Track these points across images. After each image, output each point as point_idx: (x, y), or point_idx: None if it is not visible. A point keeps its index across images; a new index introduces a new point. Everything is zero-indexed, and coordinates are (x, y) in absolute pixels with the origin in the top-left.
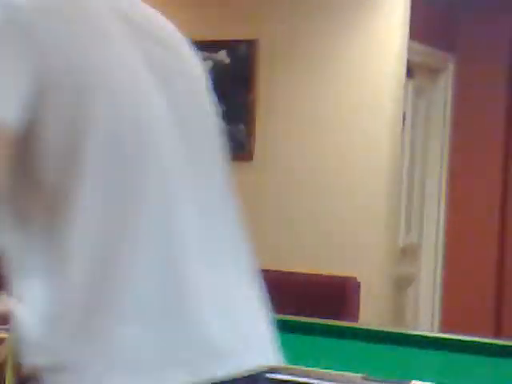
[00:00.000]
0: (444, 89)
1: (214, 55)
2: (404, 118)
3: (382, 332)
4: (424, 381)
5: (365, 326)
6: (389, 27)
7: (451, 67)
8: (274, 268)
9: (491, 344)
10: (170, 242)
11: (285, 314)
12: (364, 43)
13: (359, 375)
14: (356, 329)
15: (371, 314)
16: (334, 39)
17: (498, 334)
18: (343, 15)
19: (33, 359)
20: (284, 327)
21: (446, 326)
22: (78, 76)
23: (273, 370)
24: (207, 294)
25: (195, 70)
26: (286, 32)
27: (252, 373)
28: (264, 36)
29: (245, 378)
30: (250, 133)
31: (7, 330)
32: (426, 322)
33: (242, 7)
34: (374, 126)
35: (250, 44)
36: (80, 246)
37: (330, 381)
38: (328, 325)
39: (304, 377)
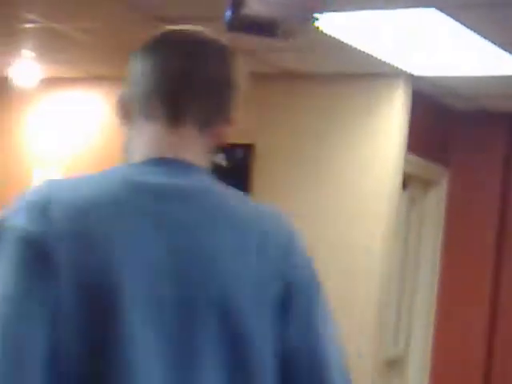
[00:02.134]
0: (436, 201)
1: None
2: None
3: None
4: None
5: None
6: (387, 133)
7: (445, 180)
8: None
9: None
10: None
11: None
12: (361, 148)
13: None
14: None
15: None
16: (332, 144)
17: None
18: (341, 120)
19: None
20: None
21: None
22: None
23: None
24: None
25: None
26: (283, 136)
27: None
28: (259, 141)
29: None
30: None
31: None
32: None
33: (241, 112)
34: (367, 231)
35: (247, 148)
36: None
37: None
38: None
39: None
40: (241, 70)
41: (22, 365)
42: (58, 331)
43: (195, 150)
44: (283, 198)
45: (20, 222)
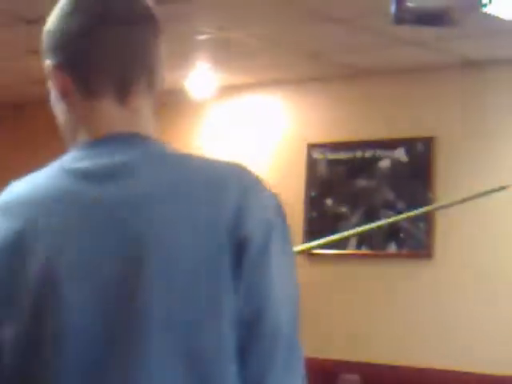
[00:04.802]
0: None
1: (391, 153)
2: None
3: None
4: None
5: None
6: None
7: None
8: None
9: None
10: None
11: None
12: None
13: None
14: None
15: None
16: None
17: None
18: None
19: None
20: None
21: None
22: None
23: None
24: None
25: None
26: (464, 129)
27: None
28: (441, 133)
29: None
30: (429, 231)
31: None
32: None
33: (419, 106)
34: None
35: (428, 141)
36: None
37: None
38: None
39: None
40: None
41: None
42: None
43: (145, 119)
44: (466, 190)
45: None
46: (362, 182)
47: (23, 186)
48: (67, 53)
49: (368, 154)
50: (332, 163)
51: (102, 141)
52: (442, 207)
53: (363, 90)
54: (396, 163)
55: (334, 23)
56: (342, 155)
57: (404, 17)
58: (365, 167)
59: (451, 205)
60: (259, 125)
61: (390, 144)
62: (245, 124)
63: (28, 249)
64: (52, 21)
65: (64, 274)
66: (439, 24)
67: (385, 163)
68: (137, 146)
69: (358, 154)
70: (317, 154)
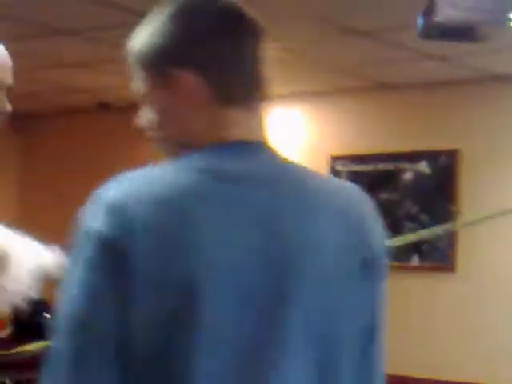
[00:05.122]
0: None
1: (414, 166)
2: None
3: None
4: None
5: None
6: None
7: None
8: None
9: None
10: None
11: None
12: None
13: None
14: None
15: None
16: None
17: None
18: None
19: None
20: None
21: None
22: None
23: None
24: None
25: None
26: (487, 143)
27: None
28: (465, 146)
29: None
30: (452, 244)
31: None
32: None
33: (443, 118)
34: None
35: (451, 154)
36: None
37: None
38: None
39: None
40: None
41: (100, 346)
42: (131, 328)
43: (264, 128)
44: (489, 204)
45: (97, 224)
46: (384, 195)
47: (153, 184)
48: (205, 58)
49: (391, 166)
50: (354, 175)
51: (233, 146)
52: (468, 224)
53: (386, 102)
54: (419, 176)
55: (359, 37)
56: (365, 168)
57: (431, 32)
58: (388, 180)
59: (477, 221)
60: (282, 137)
61: (412, 157)
62: (268, 136)
63: (179, 244)
64: (170, 26)
65: (205, 272)
66: (466, 39)
67: (408, 176)
68: (265, 154)
69: (381, 166)
70: (339, 167)
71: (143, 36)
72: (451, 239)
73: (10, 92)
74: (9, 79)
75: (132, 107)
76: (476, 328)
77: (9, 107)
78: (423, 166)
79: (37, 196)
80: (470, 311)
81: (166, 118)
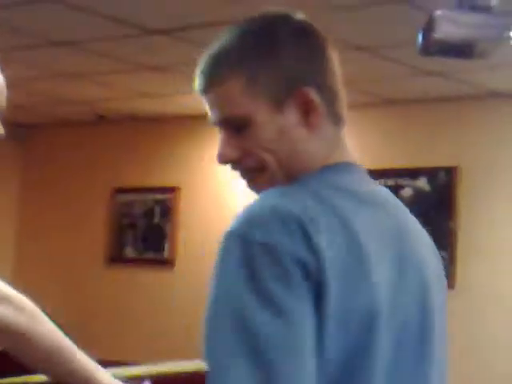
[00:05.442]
0: None
1: (413, 182)
2: None
3: None
4: None
5: None
6: None
7: None
8: None
9: None
10: None
11: None
12: None
13: None
14: None
15: None
16: None
17: None
18: None
19: None
20: None
21: None
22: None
23: None
24: None
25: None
26: (486, 159)
27: None
28: (464, 163)
29: None
30: (451, 260)
31: None
32: None
33: (442, 135)
34: None
35: (450, 171)
36: None
37: None
38: None
39: None
40: None
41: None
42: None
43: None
44: (489, 221)
45: (284, 241)
46: None
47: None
48: (320, 78)
49: (390, 182)
50: None
51: (347, 167)
52: None
53: (385, 119)
54: (418, 192)
55: (360, 52)
56: None
57: (431, 48)
58: None
59: None
60: None
61: (412, 173)
62: None
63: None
64: (284, 48)
65: (380, 305)
66: (465, 56)
67: (407, 192)
68: (367, 176)
69: (380, 182)
70: None
71: (256, 63)
72: (450, 255)
73: (2, 116)
74: (2, 103)
75: (129, 119)
76: (475, 342)
77: (2, 131)
78: (423, 183)
79: (37, 206)
80: (469, 326)
81: (282, 142)
